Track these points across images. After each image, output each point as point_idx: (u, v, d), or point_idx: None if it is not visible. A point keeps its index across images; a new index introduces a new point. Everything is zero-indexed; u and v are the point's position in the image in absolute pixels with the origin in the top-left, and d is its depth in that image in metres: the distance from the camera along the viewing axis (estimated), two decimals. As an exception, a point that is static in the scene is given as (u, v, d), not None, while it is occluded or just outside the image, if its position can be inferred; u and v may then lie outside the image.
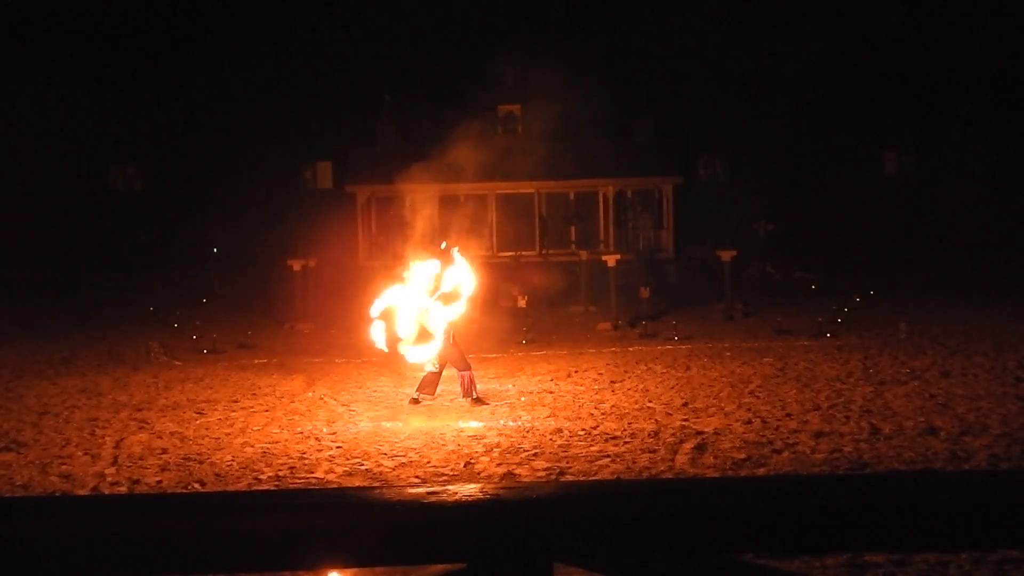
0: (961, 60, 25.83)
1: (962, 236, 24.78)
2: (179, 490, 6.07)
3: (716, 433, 7.49)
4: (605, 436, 7.47)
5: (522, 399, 9.25)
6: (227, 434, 7.80)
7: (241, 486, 6.19)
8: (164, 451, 7.22)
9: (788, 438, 7.27)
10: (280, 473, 6.49)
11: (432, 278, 8.99)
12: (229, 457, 6.96)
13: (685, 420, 8.02)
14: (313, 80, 28.16)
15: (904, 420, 7.78)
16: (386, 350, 9.01)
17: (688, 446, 7.08)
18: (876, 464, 6.45)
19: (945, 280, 21.31)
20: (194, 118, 28.07)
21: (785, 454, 6.79)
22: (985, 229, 24.22)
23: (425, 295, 8.93)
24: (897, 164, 28.88)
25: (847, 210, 26.44)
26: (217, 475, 6.47)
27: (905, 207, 26.79)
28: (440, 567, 1.51)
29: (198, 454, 7.09)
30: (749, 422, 7.87)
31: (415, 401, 8.91)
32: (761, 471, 6.34)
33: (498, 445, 7.22)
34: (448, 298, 9.01)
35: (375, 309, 8.83)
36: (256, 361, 12.44)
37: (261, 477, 6.41)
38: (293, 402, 9.28)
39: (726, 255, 17.26)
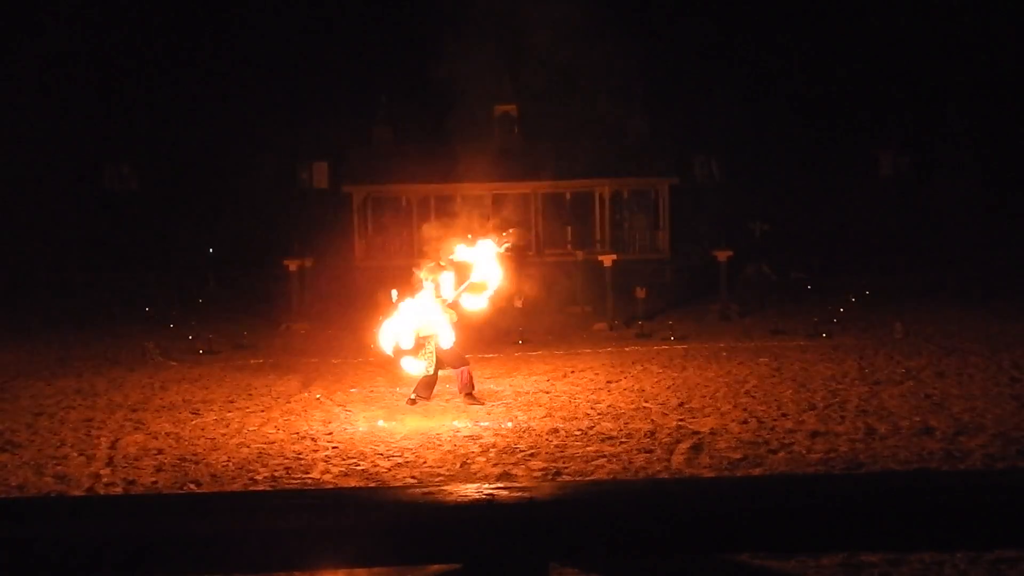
0: (955, 61, 25.90)
1: (957, 236, 24.83)
2: (175, 491, 6.06)
3: (712, 433, 7.50)
4: (601, 436, 7.48)
5: (518, 399, 9.25)
6: (223, 434, 7.78)
7: (236, 487, 6.18)
8: (160, 452, 7.20)
9: (784, 438, 7.28)
10: (276, 474, 6.48)
11: (450, 280, 8.98)
12: (225, 458, 6.95)
13: (681, 420, 8.03)
14: (309, 80, 28.13)
15: (899, 420, 7.79)
16: (391, 356, 9.00)
17: (684, 446, 7.09)
18: (872, 464, 6.46)
19: (940, 280, 21.35)
20: (190, 117, 28.02)
21: (781, 454, 6.80)
22: (980, 229, 24.28)
23: (436, 298, 8.90)
24: (892, 165, 28.95)
25: (842, 210, 26.49)
26: (213, 476, 6.46)
27: (900, 208, 26.84)
28: (436, 567, 1.51)
29: (194, 455, 7.08)
30: (745, 422, 7.88)
31: (412, 402, 8.91)
32: (757, 471, 6.35)
33: (494, 445, 7.22)
34: (474, 289, 9.04)
35: (388, 327, 8.82)
36: (252, 361, 12.42)
37: (257, 478, 6.40)
38: (289, 402, 9.27)
39: (722, 255, 17.29)
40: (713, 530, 1.37)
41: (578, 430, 7.73)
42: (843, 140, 27.28)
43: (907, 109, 26.91)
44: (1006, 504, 1.40)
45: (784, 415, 8.15)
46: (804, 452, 6.84)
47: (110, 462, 6.89)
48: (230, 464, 6.76)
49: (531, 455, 6.89)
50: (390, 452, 7.06)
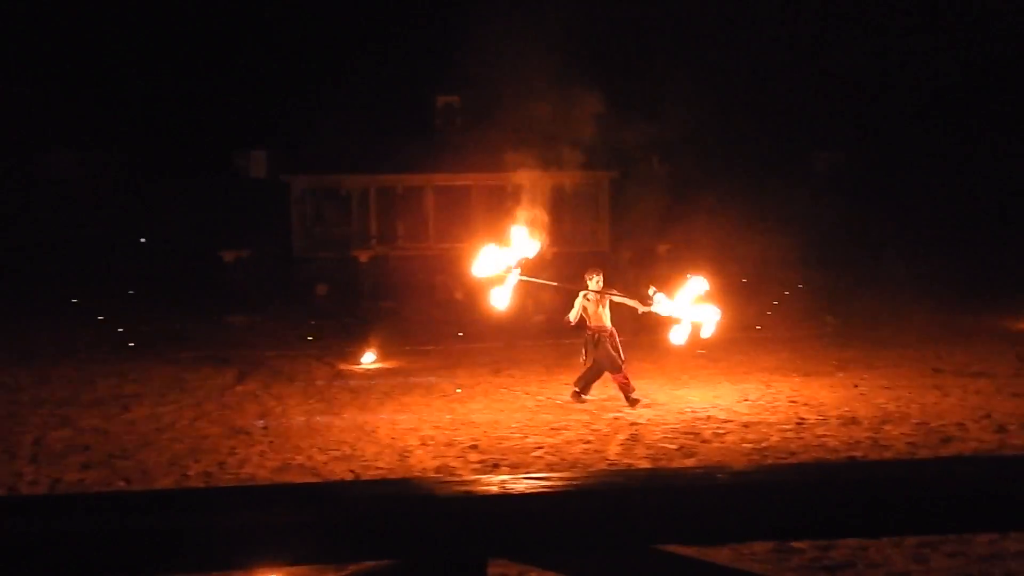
0: (890, 60, 26.66)
1: (889, 233, 25.61)
2: (102, 488, 5.89)
3: (649, 424, 7.61)
4: (540, 427, 7.52)
5: (458, 391, 9.24)
6: (154, 429, 7.59)
7: (168, 483, 6.03)
8: (87, 448, 6.99)
9: (718, 428, 7.43)
10: (209, 469, 6.35)
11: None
12: (156, 453, 6.78)
13: (619, 411, 8.12)
14: (247, 66, 27.55)
15: (829, 410, 8.03)
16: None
17: (622, 437, 7.18)
18: (802, 453, 6.63)
19: (872, 275, 22.02)
20: (125, 103, 27.20)
21: (714, 444, 6.94)
22: (911, 226, 25.08)
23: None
24: (827, 163, 29.74)
25: (778, 206, 27.09)
26: (143, 472, 6.30)
27: (834, 205, 27.57)
28: (373, 564, 1.50)
29: (123, 450, 6.89)
30: (681, 413, 8.01)
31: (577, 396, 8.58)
32: (690, 461, 6.46)
33: (433, 438, 7.20)
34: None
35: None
36: (186, 354, 12.13)
37: (189, 473, 6.26)
38: (224, 396, 9.09)
39: (661, 248, 17.54)
40: (647, 521, 1.39)
41: (517, 422, 7.76)
42: (779, 138, 27.86)
43: (842, 109, 27.61)
44: (926, 492, 1.44)
45: (718, 406, 8.32)
46: (737, 442, 6.99)
47: (34, 459, 6.65)
48: (161, 460, 6.60)
49: (470, 447, 6.89)
50: (327, 446, 6.98)
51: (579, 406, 8.40)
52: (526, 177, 25.58)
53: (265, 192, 26.38)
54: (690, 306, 8.53)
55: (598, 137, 26.57)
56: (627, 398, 8.39)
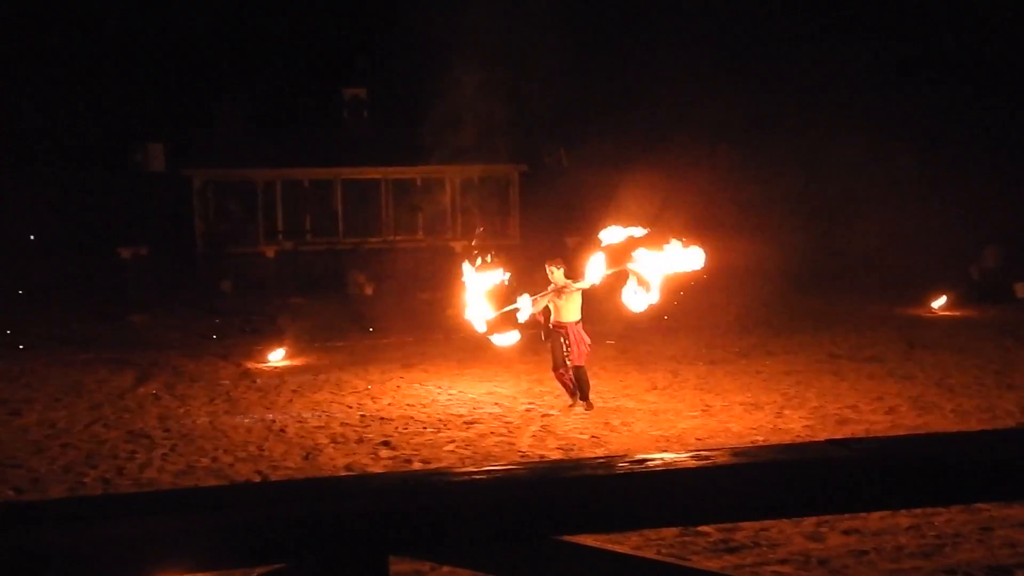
0: (785, 53, 27.53)
1: (788, 224, 26.55)
2: (-11, 499, 5.58)
3: (560, 415, 7.69)
4: (451, 422, 7.51)
5: (369, 387, 9.13)
6: (47, 436, 7.24)
7: (61, 491, 5.76)
8: (-28, 457, 6.60)
9: (626, 418, 7.57)
10: (107, 476, 6.09)
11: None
12: (48, 461, 6.46)
13: (531, 404, 8.19)
14: (144, 53, 26.46)
15: (733, 396, 8.29)
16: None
17: (534, 429, 7.24)
18: (708, 439, 6.83)
19: (772, 266, 22.81)
20: (12, 89, 25.71)
21: (624, 433, 7.08)
22: (808, 216, 26.04)
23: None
24: (727, 156, 30.63)
25: (672, 197, 27.68)
26: (34, 481, 5.99)
27: (733, 195, 28.38)
28: (271, 567, 1.46)
29: (12, 458, 6.54)
30: (591, 403, 8.12)
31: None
32: (601, 450, 6.57)
33: (343, 435, 7.10)
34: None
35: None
36: (82, 356, 11.59)
37: (85, 480, 5.99)
38: (123, 399, 8.73)
39: (571, 241, 17.74)
40: (549, 513, 1.39)
41: (429, 417, 7.73)
42: (685, 130, 28.49)
43: (739, 103, 28.42)
44: (819, 475, 1.50)
45: (627, 395, 8.48)
46: (646, 429, 7.14)
47: (-87, 471, 6.25)
48: (55, 467, 6.29)
49: (382, 444, 6.82)
50: (233, 447, 6.79)
51: (490, 400, 8.41)
52: (435, 171, 25.52)
53: (164, 186, 25.41)
54: (670, 256, 8.29)
55: (507, 130, 26.64)
56: (569, 394, 8.07)
